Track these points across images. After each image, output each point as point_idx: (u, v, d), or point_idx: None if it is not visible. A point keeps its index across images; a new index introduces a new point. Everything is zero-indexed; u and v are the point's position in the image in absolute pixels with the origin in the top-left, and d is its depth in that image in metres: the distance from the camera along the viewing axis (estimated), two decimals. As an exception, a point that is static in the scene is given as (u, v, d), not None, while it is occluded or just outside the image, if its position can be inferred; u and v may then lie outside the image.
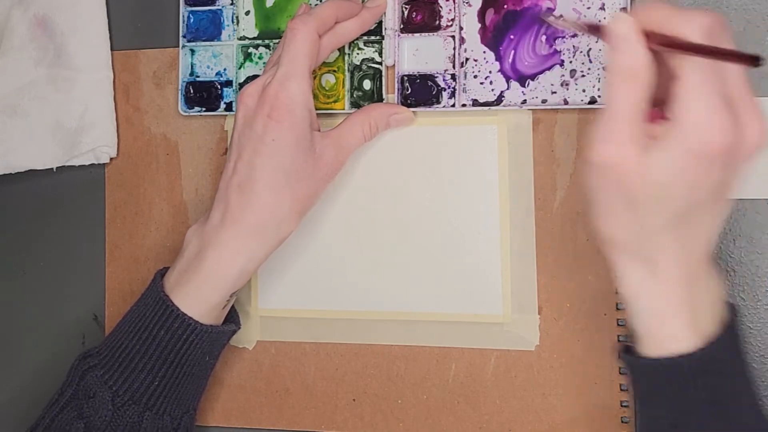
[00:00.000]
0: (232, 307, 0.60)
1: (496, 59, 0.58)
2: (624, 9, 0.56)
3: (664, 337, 0.45)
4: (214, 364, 0.59)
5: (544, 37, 0.57)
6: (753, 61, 0.40)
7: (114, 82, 0.65)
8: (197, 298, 0.54)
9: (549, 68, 0.57)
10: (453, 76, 0.58)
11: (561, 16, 0.56)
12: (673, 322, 0.45)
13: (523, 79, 0.57)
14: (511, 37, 0.57)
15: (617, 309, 0.57)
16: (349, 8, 0.57)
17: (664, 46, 0.42)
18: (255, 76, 0.62)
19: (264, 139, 0.53)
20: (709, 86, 0.41)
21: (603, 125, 0.43)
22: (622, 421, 0.56)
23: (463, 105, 0.58)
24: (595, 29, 0.50)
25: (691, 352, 0.44)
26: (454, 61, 0.58)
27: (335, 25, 0.56)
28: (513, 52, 0.57)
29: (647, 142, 0.42)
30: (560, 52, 0.56)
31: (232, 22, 0.63)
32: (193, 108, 0.63)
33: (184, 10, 0.63)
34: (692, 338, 0.45)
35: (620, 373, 0.56)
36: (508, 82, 0.57)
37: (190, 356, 0.55)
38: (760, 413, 0.46)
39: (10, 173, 0.66)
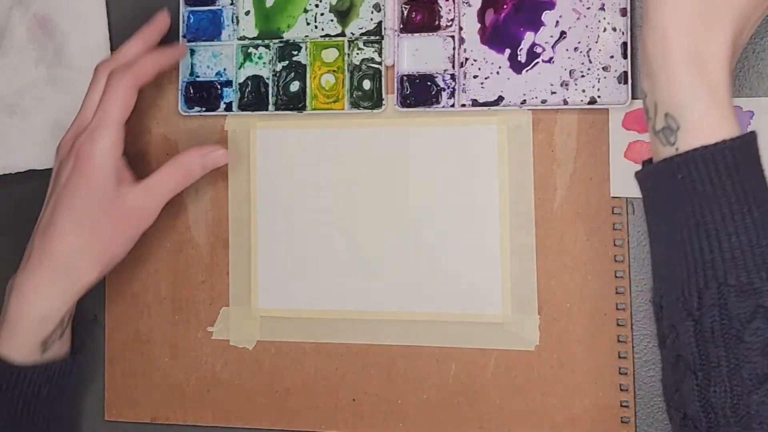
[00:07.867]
0: (75, 348, 0.60)
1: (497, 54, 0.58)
2: (624, 9, 0.56)
3: (709, 123, 0.45)
4: (60, 408, 0.60)
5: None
6: None
7: (114, 82, 0.65)
8: (9, 344, 0.56)
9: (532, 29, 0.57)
10: (452, 76, 0.58)
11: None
12: (719, 110, 0.45)
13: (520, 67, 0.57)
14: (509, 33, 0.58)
15: (617, 309, 0.57)
16: (173, 57, 0.60)
17: None
18: (255, 76, 0.62)
19: (67, 185, 0.56)
20: None
21: None
22: (622, 421, 0.56)
23: (463, 105, 0.58)
24: None
25: (735, 137, 0.45)
26: (453, 61, 0.58)
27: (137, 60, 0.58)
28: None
29: None
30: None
31: (232, 22, 0.63)
32: (193, 108, 0.63)
33: (184, 10, 0.63)
34: (733, 128, 0.45)
35: (620, 373, 0.57)
36: (507, 76, 0.58)
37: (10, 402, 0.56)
38: None
39: (10, 173, 0.66)
